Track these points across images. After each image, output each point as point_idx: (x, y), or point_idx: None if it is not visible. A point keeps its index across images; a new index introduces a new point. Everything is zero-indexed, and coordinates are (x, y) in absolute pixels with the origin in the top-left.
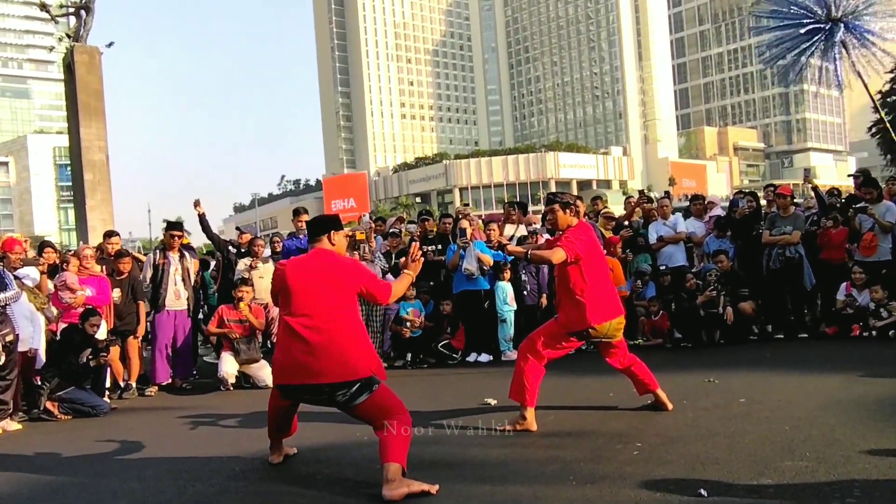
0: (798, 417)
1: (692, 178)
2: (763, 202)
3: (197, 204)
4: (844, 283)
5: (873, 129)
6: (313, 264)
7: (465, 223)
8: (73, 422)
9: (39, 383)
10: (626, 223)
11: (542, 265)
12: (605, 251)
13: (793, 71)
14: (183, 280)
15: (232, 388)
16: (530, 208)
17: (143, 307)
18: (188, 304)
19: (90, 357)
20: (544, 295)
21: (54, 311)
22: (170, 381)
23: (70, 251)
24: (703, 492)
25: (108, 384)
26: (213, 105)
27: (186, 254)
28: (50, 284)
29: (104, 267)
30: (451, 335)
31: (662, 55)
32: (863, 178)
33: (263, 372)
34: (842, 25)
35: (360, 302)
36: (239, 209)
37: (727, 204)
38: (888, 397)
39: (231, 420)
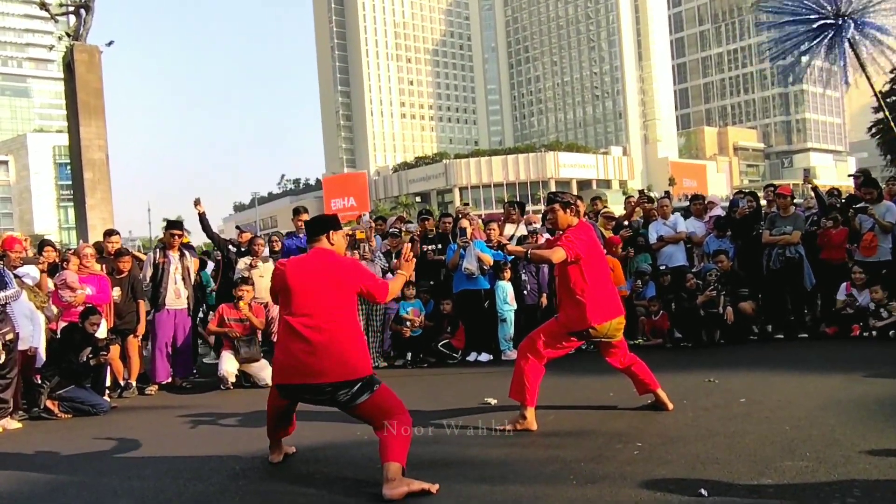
0: (798, 417)
1: (692, 178)
2: (763, 202)
3: (197, 203)
4: (844, 284)
5: (873, 130)
6: (314, 264)
7: (465, 223)
8: (73, 420)
9: (39, 382)
10: (626, 223)
11: (542, 265)
12: (605, 251)
13: (797, 68)
14: (183, 279)
15: (232, 387)
16: (530, 208)
17: (143, 306)
18: (188, 303)
19: (90, 356)
20: (544, 294)
21: (54, 309)
22: (170, 379)
23: (70, 250)
24: (703, 492)
25: (108, 383)
26: (213, 104)
27: (186, 253)
28: (50, 283)
29: (104, 266)
30: (451, 334)
31: (662, 55)
32: (863, 178)
33: (264, 371)
34: (851, 22)
35: (360, 301)
36: (239, 208)
37: (727, 204)
38: (888, 397)
39: (231, 419)
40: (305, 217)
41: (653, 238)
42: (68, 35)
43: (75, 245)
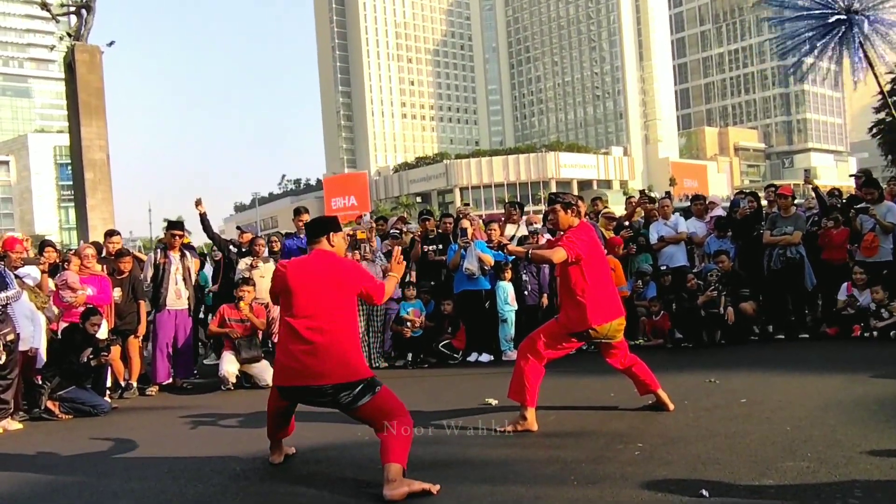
0: (799, 418)
1: (693, 179)
2: (764, 202)
3: (198, 203)
4: (845, 284)
5: (874, 130)
6: (315, 265)
7: (465, 223)
8: (73, 421)
9: (40, 383)
10: (627, 223)
11: (543, 265)
12: (606, 251)
13: (802, 65)
14: (184, 279)
15: (233, 388)
16: (531, 208)
17: (144, 306)
18: (189, 304)
19: (91, 356)
20: (545, 295)
21: (55, 310)
22: (170, 380)
23: (71, 250)
24: (704, 492)
25: (108, 384)
26: (214, 104)
27: (187, 253)
28: (51, 283)
29: (105, 266)
30: (451, 335)
31: (663, 55)
32: (864, 178)
33: (264, 372)
34: (864, 19)
35: (359, 302)
36: (240, 208)
37: (728, 204)
38: (889, 398)
39: (232, 420)
40: (306, 217)
41: (654, 238)
42: (69, 35)
43: (76, 245)
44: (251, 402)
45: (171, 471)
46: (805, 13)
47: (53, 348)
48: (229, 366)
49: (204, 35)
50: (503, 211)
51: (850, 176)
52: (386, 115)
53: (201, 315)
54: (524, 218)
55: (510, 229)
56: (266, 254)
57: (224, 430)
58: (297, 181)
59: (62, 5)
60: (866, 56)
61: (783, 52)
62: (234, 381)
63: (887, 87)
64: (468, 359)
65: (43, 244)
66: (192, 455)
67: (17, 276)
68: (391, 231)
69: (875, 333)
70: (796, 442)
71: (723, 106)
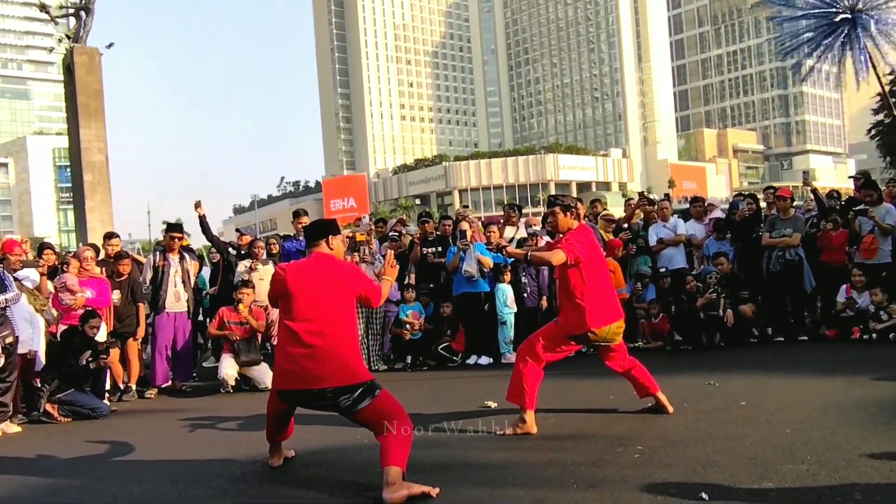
0: (798, 420)
1: (692, 181)
2: (763, 204)
3: (198, 205)
4: (844, 286)
5: (873, 132)
6: (314, 268)
7: (465, 225)
8: (72, 424)
9: (39, 385)
10: (626, 225)
11: (542, 267)
12: (605, 254)
13: (803, 65)
14: (183, 282)
15: (232, 391)
16: (530, 210)
17: (143, 309)
18: (188, 306)
19: (90, 359)
20: (544, 297)
21: (54, 312)
22: (169, 383)
23: (69, 253)
24: (704, 495)
25: (107, 386)
26: (213, 106)
27: (186, 256)
28: (50, 285)
29: (104, 269)
30: (451, 337)
31: (662, 57)
32: (863, 180)
33: (263, 374)
34: (871, 19)
35: (358, 305)
36: (238, 210)
37: (727, 206)
38: (888, 400)
39: (231, 423)
40: (305, 220)
41: (653, 240)
42: (68, 37)
43: (75, 248)
44: (250, 405)
45: (169, 474)
46: (809, 12)
47: (52, 351)
48: (228, 368)
49: (203, 36)
50: (502, 213)
51: (849, 178)
52: (385, 117)
53: (200, 318)
54: (523, 220)
55: (509, 231)
56: (264, 256)
57: (223, 433)
58: (296, 183)
59: (61, 7)
60: (870, 56)
61: (785, 51)
62: (233, 383)
63: (888, 88)
64: (467, 361)
65: (42, 246)
66: (190, 458)
67: (15, 279)
68: (390, 233)
69: (874, 336)
70: (796, 444)
71: (721, 108)
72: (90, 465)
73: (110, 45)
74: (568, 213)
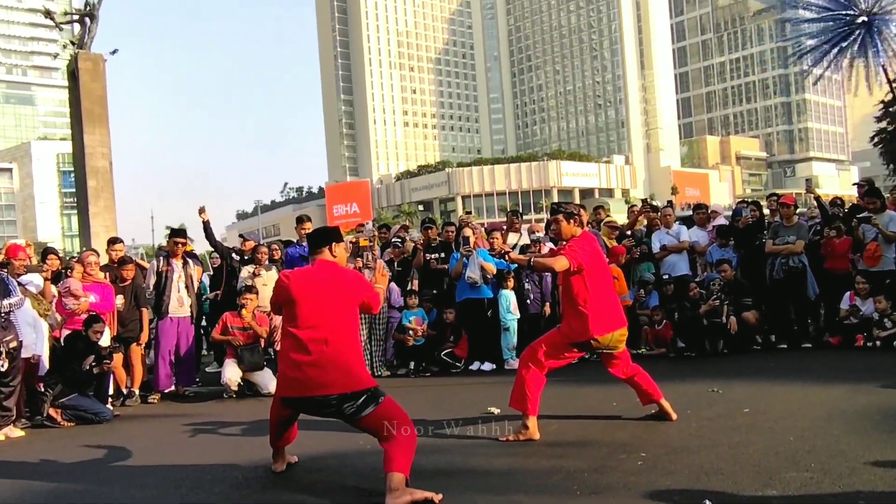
0: (802, 428)
1: (695, 188)
2: (766, 211)
3: (202, 211)
4: (848, 293)
5: (876, 139)
6: (318, 276)
7: (468, 231)
8: (75, 429)
9: (42, 390)
10: (630, 232)
11: (546, 274)
12: (608, 260)
13: (815, 69)
14: (186, 287)
15: (235, 396)
16: (533, 217)
17: (147, 314)
18: (191, 312)
19: (93, 364)
20: (547, 304)
21: (58, 317)
22: (172, 388)
23: (73, 258)
24: (707, 503)
25: (111, 391)
26: (216, 111)
27: (190, 261)
28: (53, 290)
29: (108, 274)
30: (454, 344)
31: (665, 64)
32: (867, 187)
33: (267, 379)
34: (888, 24)
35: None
36: (242, 216)
37: (730, 213)
38: (893, 408)
39: (233, 428)
40: (309, 226)
41: (656, 247)
42: (73, 43)
43: (78, 252)
44: (253, 410)
45: (172, 479)
46: (826, 15)
47: (56, 355)
48: (232, 373)
49: (205, 42)
50: (505, 219)
51: (854, 184)
52: (388, 124)
53: (204, 323)
54: (526, 226)
55: (512, 238)
56: (267, 262)
57: (226, 439)
58: (300, 189)
59: (66, 14)
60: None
61: (802, 52)
62: (236, 388)
63: (889, 97)
64: (470, 367)
65: (46, 251)
66: (193, 463)
67: (19, 284)
68: (393, 240)
69: (878, 343)
70: (800, 452)
71: (724, 115)
72: (93, 469)
73: (115, 52)
74: (571, 221)
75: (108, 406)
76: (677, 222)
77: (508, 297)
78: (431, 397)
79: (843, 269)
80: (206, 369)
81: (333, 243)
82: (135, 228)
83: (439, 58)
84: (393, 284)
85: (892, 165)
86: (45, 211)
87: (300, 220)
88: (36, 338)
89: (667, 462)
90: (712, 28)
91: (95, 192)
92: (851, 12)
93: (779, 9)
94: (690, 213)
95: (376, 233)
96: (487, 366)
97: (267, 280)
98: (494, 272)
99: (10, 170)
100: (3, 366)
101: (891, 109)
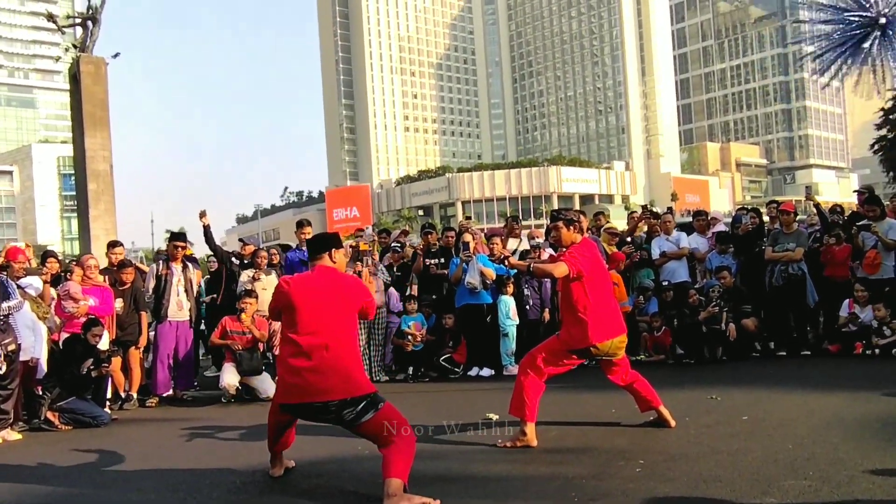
0: (801, 436)
1: (695, 194)
2: (766, 218)
3: (203, 215)
4: (847, 301)
5: (876, 147)
6: (318, 282)
7: (468, 237)
8: (73, 432)
9: (40, 393)
10: (629, 239)
11: (545, 279)
12: (608, 266)
13: (828, 70)
14: (185, 291)
15: (233, 400)
16: (533, 222)
17: (146, 317)
18: (190, 315)
19: (91, 367)
20: (547, 309)
21: (57, 320)
22: (171, 392)
23: (73, 261)
24: None
25: (109, 395)
26: (218, 112)
27: (189, 265)
28: (53, 293)
29: (107, 277)
30: (452, 349)
31: (665, 71)
32: (867, 194)
33: (265, 384)
34: None
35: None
36: (242, 220)
37: (730, 220)
38: (892, 416)
39: (232, 432)
40: (309, 230)
41: (656, 254)
42: (75, 47)
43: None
44: (251, 415)
45: (170, 483)
46: (843, 16)
47: (54, 359)
48: (230, 377)
49: (208, 47)
50: (505, 224)
51: (854, 191)
52: (389, 129)
53: (203, 327)
54: (525, 232)
55: (512, 243)
56: (266, 266)
57: (224, 443)
58: (300, 193)
59: (68, 17)
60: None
61: (822, 52)
62: (234, 392)
63: (889, 105)
64: (469, 373)
65: (45, 254)
66: (191, 467)
67: (19, 287)
68: (392, 244)
69: (877, 351)
70: (798, 460)
71: (724, 121)
72: (90, 473)
73: (116, 55)
74: (571, 228)
75: (106, 410)
76: (677, 229)
77: (508, 303)
78: (430, 403)
79: (842, 277)
80: (205, 373)
81: (333, 249)
82: (135, 232)
83: (440, 63)
84: (392, 289)
85: (892, 173)
86: (46, 214)
87: (300, 225)
88: (34, 341)
89: (665, 469)
90: (713, 35)
91: (96, 195)
92: (868, 14)
93: (779, 16)
94: (690, 219)
95: (376, 237)
96: (486, 371)
97: (266, 284)
98: (494, 278)
99: (10, 172)
100: (1, 369)
101: (891, 117)
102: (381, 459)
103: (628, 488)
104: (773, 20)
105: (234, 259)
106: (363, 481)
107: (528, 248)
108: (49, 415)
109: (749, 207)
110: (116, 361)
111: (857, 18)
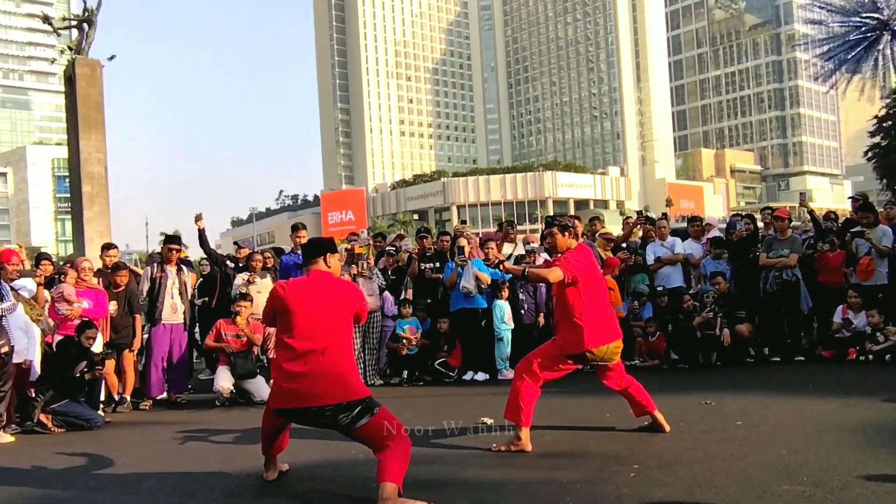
0: (795, 441)
1: (689, 200)
2: (760, 225)
3: (198, 219)
4: (841, 307)
5: (869, 154)
6: (314, 286)
7: (463, 241)
8: (66, 435)
9: (33, 395)
10: (625, 244)
11: (540, 284)
12: (602, 271)
13: (841, 70)
14: (180, 294)
15: (227, 403)
16: (528, 227)
17: (139, 320)
18: (184, 318)
19: (85, 370)
20: (542, 314)
21: (50, 322)
22: (164, 395)
23: (67, 263)
24: None
25: (102, 397)
26: (214, 115)
27: (184, 268)
28: (46, 295)
29: (101, 279)
30: (447, 353)
31: (661, 77)
32: (861, 201)
33: (259, 387)
34: None
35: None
36: (236, 223)
37: (724, 226)
38: (885, 422)
39: (225, 435)
40: (304, 234)
41: (650, 259)
42: (70, 49)
43: (71, 257)
44: (245, 418)
45: (163, 486)
46: (852, 19)
47: (48, 361)
48: (224, 381)
49: (204, 50)
50: (500, 229)
51: (849, 198)
52: (384, 133)
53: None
54: (521, 237)
55: (507, 248)
56: (261, 269)
57: (218, 446)
58: (295, 197)
59: (64, 19)
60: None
61: (831, 55)
62: (228, 395)
63: (882, 113)
64: (464, 377)
65: (39, 256)
66: (185, 470)
67: (12, 289)
68: (387, 248)
69: (871, 357)
70: (792, 466)
71: (719, 128)
72: (83, 476)
73: (112, 57)
74: (566, 233)
75: (100, 412)
76: (671, 234)
77: (503, 308)
78: (425, 407)
79: (836, 283)
80: (199, 376)
81: (328, 254)
82: (129, 234)
83: (436, 68)
84: (387, 293)
85: (886, 180)
86: (40, 216)
87: (295, 228)
88: (28, 343)
89: (660, 474)
90: (708, 42)
91: (90, 197)
92: (879, 16)
93: (774, 23)
94: (685, 225)
95: (371, 242)
96: (481, 376)
97: (261, 288)
98: (489, 282)
99: (4, 174)
100: None
101: (884, 125)
102: (375, 463)
103: (623, 493)
104: (768, 28)
105: (228, 262)
106: (357, 485)
107: (524, 252)
108: (42, 417)
109: (743, 213)
110: (110, 364)
111: (868, 21)
